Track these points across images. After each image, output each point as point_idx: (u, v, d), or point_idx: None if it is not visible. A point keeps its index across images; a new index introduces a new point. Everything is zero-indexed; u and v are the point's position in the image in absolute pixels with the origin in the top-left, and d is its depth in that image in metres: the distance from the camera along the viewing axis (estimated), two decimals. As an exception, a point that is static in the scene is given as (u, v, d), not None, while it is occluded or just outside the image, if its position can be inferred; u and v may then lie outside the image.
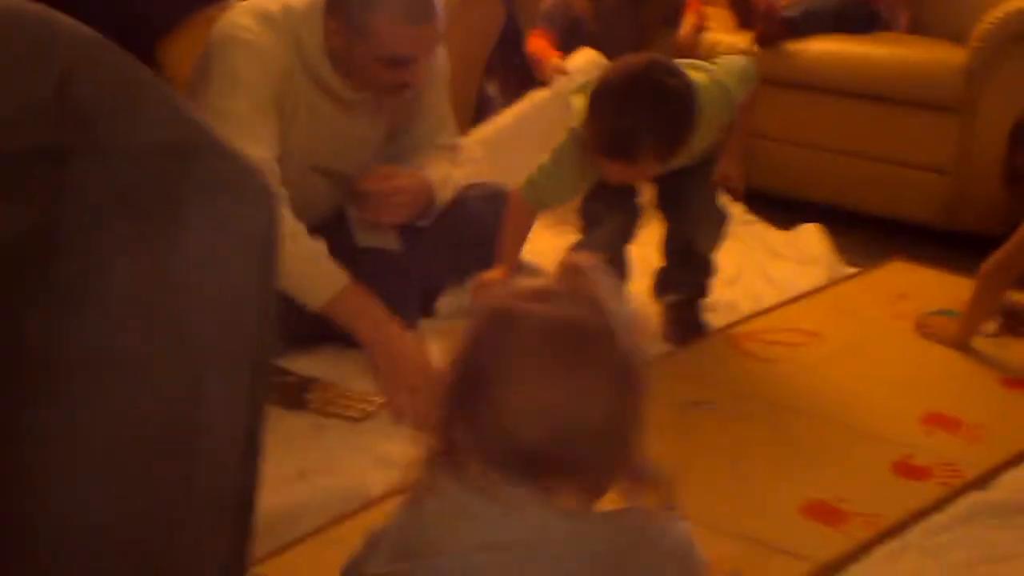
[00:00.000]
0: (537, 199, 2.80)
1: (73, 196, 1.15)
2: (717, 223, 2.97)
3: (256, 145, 2.53)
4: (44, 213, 1.13)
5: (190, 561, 1.17)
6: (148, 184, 1.19)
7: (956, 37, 3.94)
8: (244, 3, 2.75)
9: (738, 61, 2.93)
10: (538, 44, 3.86)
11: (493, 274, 2.74)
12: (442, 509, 1.28)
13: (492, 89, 4.37)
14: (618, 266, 2.97)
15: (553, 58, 3.75)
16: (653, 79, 2.58)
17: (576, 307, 1.25)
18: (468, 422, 1.25)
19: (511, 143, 3.67)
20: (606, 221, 2.91)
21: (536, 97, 3.77)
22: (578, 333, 1.24)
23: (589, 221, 2.95)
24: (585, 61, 3.67)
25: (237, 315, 1.20)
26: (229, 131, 2.42)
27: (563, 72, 3.69)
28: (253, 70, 2.61)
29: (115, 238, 1.16)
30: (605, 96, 2.62)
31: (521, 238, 2.84)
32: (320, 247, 2.62)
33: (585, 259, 1.30)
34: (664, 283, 3.06)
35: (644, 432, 1.30)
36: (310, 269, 2.58)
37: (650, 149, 2.59)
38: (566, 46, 3.82)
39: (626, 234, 2.97)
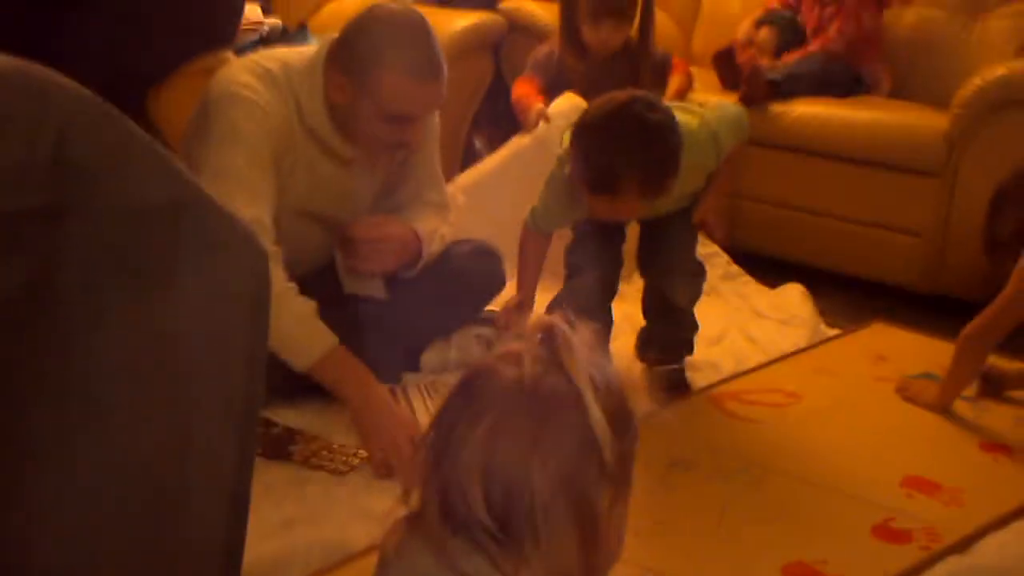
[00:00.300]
0: (541, 227, 2.92)
1: (68, 254, 1.16)
2: (694, 275, 3.00)
3: (252, 203, 2.55)
4: (40, 270, 1.15)
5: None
6: (142, 243, 1.21)
7: (938, 102, 3.99)
8: (243, 60, 2.77)
9: (731, 109, 2.96)
10: (523, 90, 3.88)
11: (514, 302, 2.90)
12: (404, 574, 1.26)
13: (479, 142, 4.41)
14: (602, 320, 2.99)
15: (537, 104, 3.78)
16: (635, 113, 2.62)
17: (545, 371, 1.22)
18: (437, 483, 1.22)
19: (493, 190, 3.68)
20: (588, 271, 2.94)
21: (518, 143, 3.79)
22: (543, 398, 1.20)
23: (572, 271, 2.98)
24: (568, 106, 3.69)
25: (227, 371, 1.21)
26: (226, 188, 2.45)
27: (546, 118, 3.72)
28: (252, 127, 2.62)
29: (109, 295, 1.17)
30: (588, 131, 2.66)
31: (538, 265, 2.95)
32: (310, 307, 2.61)
33: (560, 319, 1.27)
34: (646, 342, 3.08)
35: (618, 516, 1.25)
36: (299, 330, 2.59)
37: (633, 183, 2.62)
38: (551, 95, 3.85)
39: (609, 286, 3.00)
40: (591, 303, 2.93)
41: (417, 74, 2.61)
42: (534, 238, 2.93)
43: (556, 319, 1.26)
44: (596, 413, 1.20)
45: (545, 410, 1.19)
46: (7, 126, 1.16)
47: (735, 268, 3.87)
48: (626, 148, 2.59)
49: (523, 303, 2.91)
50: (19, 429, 1.16)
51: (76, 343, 1.16)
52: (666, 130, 2.63)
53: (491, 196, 3.64)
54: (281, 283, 2.55)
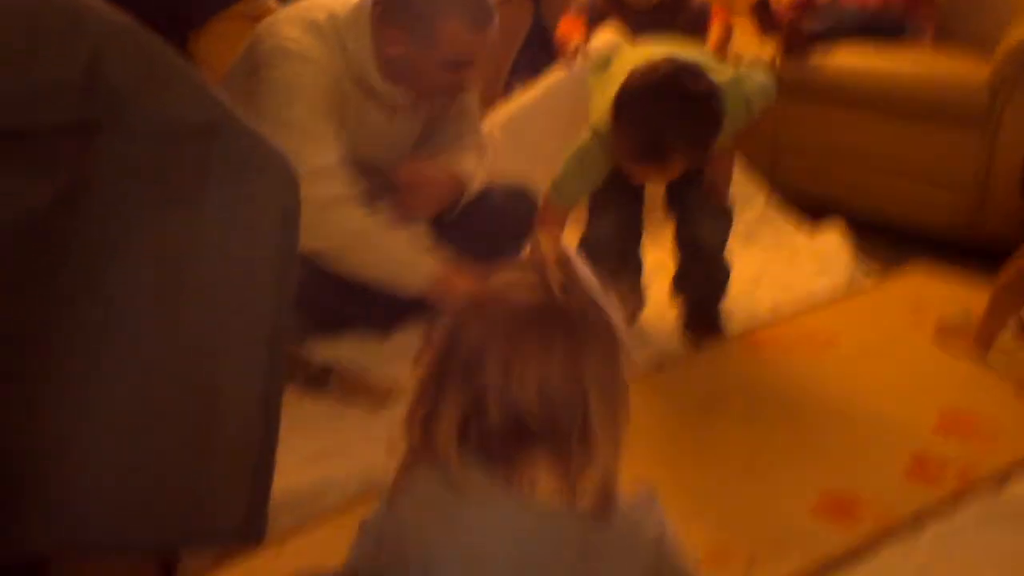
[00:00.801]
0: (566, 199, 2.86)
1: (101, 171, 1.18)
2: (721, 215, 2.99)
3: (322, 151, 2.62)
4: (74, 186, 1.17)
5: (213, 507, 1.21)
6: (173, 160, 1.23)
7: (981, 44, 3.94)
8: (287, 11, 2.79)
9: (761, 76, 2.95)
10: (567, 27, 3.87)
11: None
12: (414, 506, 1.32)
13: (518, 89, 4.40)
14: (630, 261, 3.00)
15: (576, 38, 3.76)
16: (681, 85, 2.61)
17: (546, 291, 1.31)
18: (449, 409, 1.30)
19: (529, 124, 3.67)
20: (611, 213, 2.94)
21: (555, 78, 3.77)
22: (550, 313, 1.30)
23: (594, 214, 2.98)
24: (605, 43, 3.65)
25: (256, 284, 1.23)
26: (292, 140, 2.48)
27: (584, 54, 3.70)
28: (307, 80, 2.66)
29: (141, 211, 1.19)
30: (632, 104, 2.65)
31: (559, 233, 2.90)
32: (404, 234, 2.73)
33: (551, 246, 1.37)
34: (680, 285, 3.08)
35: (622, 410, 1.34)
36: (406, 255, 2.71)
37: (681, 153, 2.64)
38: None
39: (634, 227, 3.00)
40: (617, 244, 2.93)
41: (474, 21, 2.67)
42: (555, 210, 2.88)
43: (550, 244, 1.38)
44: (618, 320, 1.31)
45: (554, 321, 1.29)
46: (42, 44, 1.18)
47: (774, 207, 3.85)
48: (674, 121, 2.60)
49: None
50: (57, 336, 1.18)
51: (109, 255, 1.18)
52: (711, 99, 2.64)
53: (527, 131, 3.63)
54: (371, 219, 2.66)
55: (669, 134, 2.60)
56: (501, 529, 1.29)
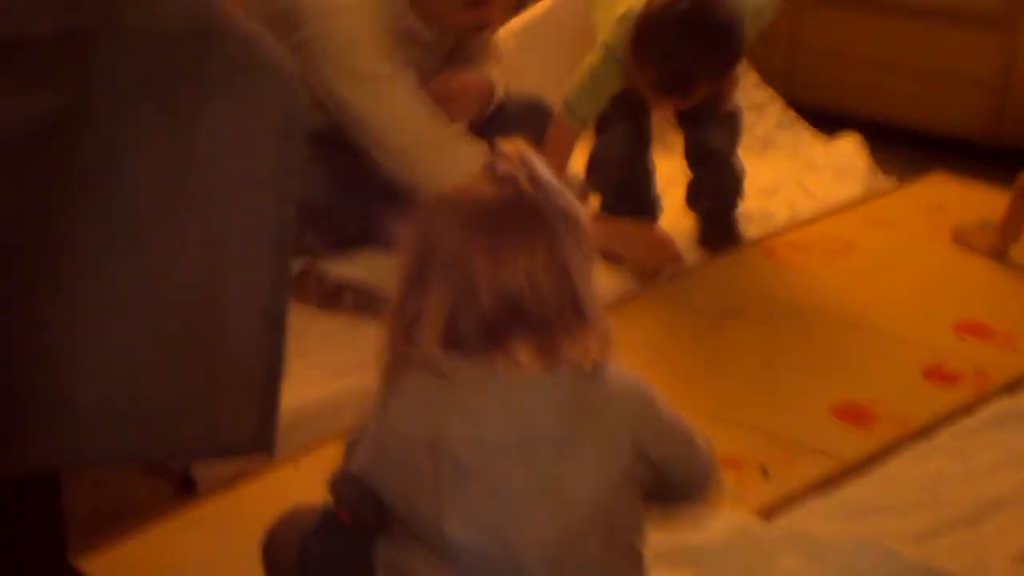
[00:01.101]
0: (579, 118, 2.82)
1: (99, 78, 1.17)
2: (729, 122, 2.97)
3: (382, 58, 2.67)
4: (71, 97, 1.16)
5: (222, 420, 1.22)
6: (172, 66, 1.22)
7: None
8: None
9: None
10: None
11: None
12: (410, 406, 1.38)
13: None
14: (641, 168, 2.98)
15: None
16: (702, 16, 2.60)
17: (514, 185, 1.37)
18: (433, 306, 1.36)
19: (543, 34, 3.63)
20: (619, 122, 2.92)
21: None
22: (524, 204, 1.36)
23: (602, 124, 2.95)
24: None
25: (259, 193, 1.23)
26: (350, 57, 2.61)
27: None
28: (357, 30, 2.66)
29: (140, 118, 1.19)
30: (655, 38, 2.62)
31: (565, 160, 2.86)
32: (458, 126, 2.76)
33: (512, 147, 1.41)
34: (695, 192, 3.06)
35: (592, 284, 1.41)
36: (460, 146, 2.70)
37: (704, 84, 2.64)
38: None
39: (642, 133, 2.97)
40: (627, 155, 2.92)
41: None
42: (566, 129, 2.83)
43: (512, 145, 1.42)
44: (568, 208, 1.39)
45: (522, 213, 1.36)
46: None
47: (790, 116, 3.82)
48: (700, 55, 2.60)
49: None
50: (61, 250, 1.18)
51: (111, 167, 1.18)
52: (733, 28, 2.63)
53: (541, 40, 3.59)
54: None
55: (694, 68, 2.60)
56: (498, 404, 1.36)
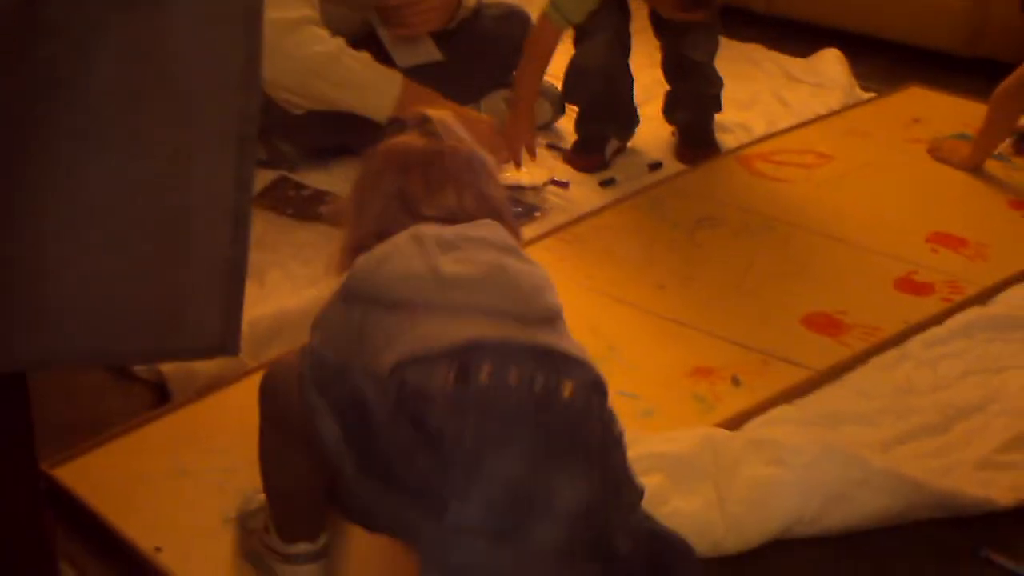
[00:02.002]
0: (563, 18, 2.79)
1: None
2: (707, 26, 2.94)
3: (303, 4, 2.63)
4: None
5: (188, 321, 1.22)
6: None
7: None
8: None
9: None
10: None
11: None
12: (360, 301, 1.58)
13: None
14: (621, 76, 2.97)
15: None
16: None
17: (436, 139, 1.71)
18: (371, 221, 1.67)
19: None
20: (599, 30, 2.89)
21: None
22: (447, 150, 1.70)
23: (581, 33, 2.93)
24: None
25: (222, 89, 1.21)
26: None
27: None
28: None
29: (100, 15, 1.17)
30: None
31: (546, 61, 2.86)
32: (366, 55, 2.70)
33: (439, 114, 1.75)
34: (672, 103, 3.06)
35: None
36: (369, 75, 2.67)
37: None
38: None
39: (621, 41, 2.95)
40: (607, 63, 2.90)
41: None
42: (551, 32, 2.80)
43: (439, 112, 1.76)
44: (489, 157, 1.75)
45: (441, 152, 1.69)
46: None
47: (770, 34, 3.80)
48: None
49: (519, 99, 2.86)
50: (23, 153, 1.18)
51: (71, 65, 1.17)
52: None
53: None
54: (334, 42, 2.65)
55: None
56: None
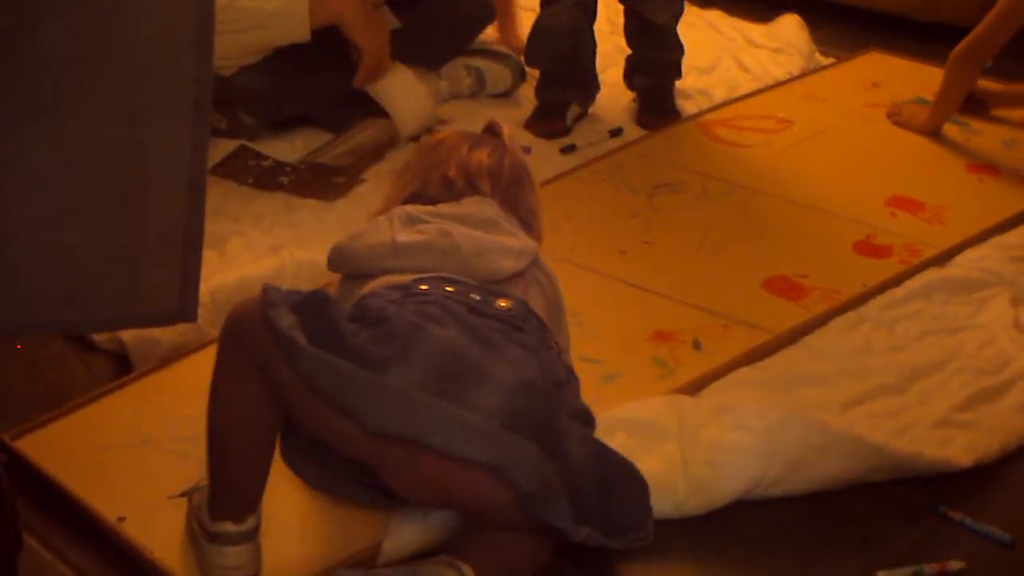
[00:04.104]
0: None
1: None
2: None
3: None
4: None
5: (145, 287, 1.22)
6: None
7: None
8: None
9: None
10: None
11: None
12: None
13: None
14: (586, 41, 2.96)
15: None
16: None
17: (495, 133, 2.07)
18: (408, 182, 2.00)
19: None
20: None
21: None
22: (496, 138, 2.05)
23: None
24: None
25: (176, 59, 1.21)
26: None
27: None
28: None
29: None
30: None
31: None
32: None
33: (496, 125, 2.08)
34: (633, 68, 3.06)
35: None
36: (268, 6, 2.65)
37: None
38: None
39: (588, 7, 2.96)
40: (571, 25, 2.90)
41: None
42: None
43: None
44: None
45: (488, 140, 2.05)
46: None
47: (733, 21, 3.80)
48: None
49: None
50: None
51: (23, 34, 1.16)
52: None
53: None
54: None
55: None
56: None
